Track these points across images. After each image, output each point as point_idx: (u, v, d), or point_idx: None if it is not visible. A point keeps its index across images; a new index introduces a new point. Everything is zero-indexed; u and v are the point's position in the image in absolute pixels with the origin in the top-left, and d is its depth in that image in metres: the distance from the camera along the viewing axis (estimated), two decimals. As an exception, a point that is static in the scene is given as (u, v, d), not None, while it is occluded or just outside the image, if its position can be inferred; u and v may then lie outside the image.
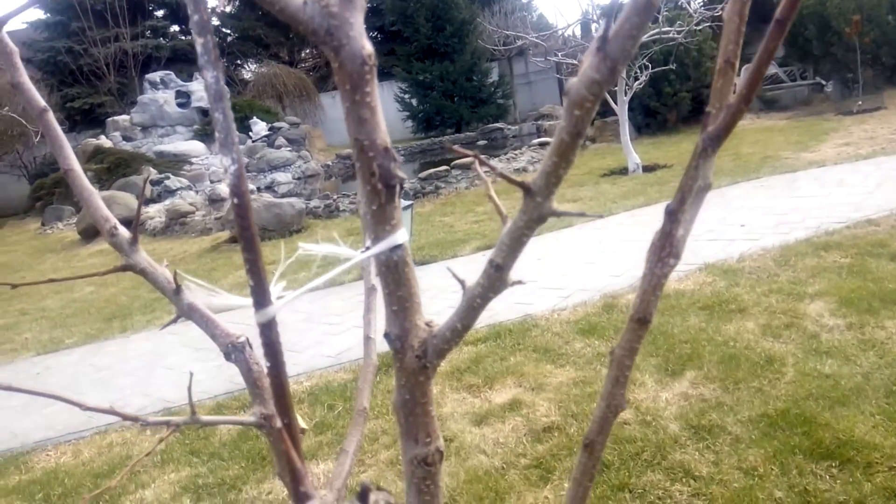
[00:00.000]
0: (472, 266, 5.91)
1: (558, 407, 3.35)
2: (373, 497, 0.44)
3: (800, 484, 2.40)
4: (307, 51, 27.36)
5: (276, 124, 19.01)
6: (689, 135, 12.26)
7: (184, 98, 18.75)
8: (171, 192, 14.38)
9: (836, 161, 7.97)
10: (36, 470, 3.74)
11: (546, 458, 2.89)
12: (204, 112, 18.77)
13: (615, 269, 5.39)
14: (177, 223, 11.57)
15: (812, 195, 6.55)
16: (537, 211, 0.52)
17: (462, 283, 0.63)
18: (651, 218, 6.80)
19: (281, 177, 16.33)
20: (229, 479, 3.20)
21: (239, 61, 26.91)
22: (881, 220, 5.23)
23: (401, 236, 0.62)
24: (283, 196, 12.05)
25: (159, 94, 18.58)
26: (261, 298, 0.62)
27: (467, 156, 0.56)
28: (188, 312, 0.85)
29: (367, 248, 0.62)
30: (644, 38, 9.26)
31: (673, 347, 3.72)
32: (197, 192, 14.66)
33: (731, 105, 0.54)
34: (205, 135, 18.28)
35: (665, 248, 0.57)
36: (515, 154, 12.36)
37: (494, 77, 22.24)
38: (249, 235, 0.60)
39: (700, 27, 10.02)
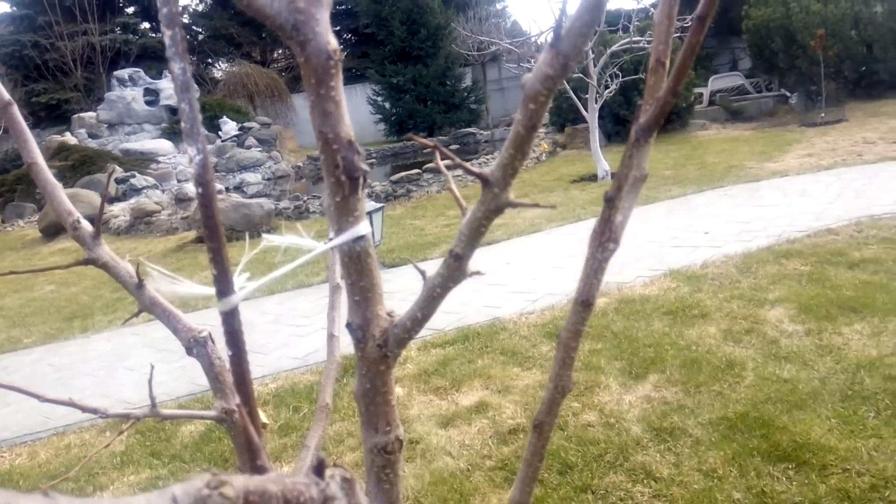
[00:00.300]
0: (442, 269, 5.92)
1: (524, 409, 3.38)
2: (329, 472, 0.44)
3: (758, 486, 2.46)
4: (279, 51, 27.15)
5: (247, 124, 18.82)
6: (656, 144, 12.35)
7: (152, 96, 18.46)
8: (136, 191, 14.14)
9: (798, 171, 8.17)
10: (-10, 472, 3.64)
11: (511, 459, 2.91)
12: (173, 110, 18.49)
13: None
14: (142, 222, 11.38)
15: (775, 204, 6.71)
16: (494, 202, 0.54)
17: (423, 273, 0.64)
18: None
19: (250, 177, 16.17)
20: (191, 481, 3.16)
21: (210, 60, 26.57)
22: (840, 230, 5.37)
23: (363, 227, 0.63)
24: (252, 197, 11.92)
25: (127, 91, 18.27)
26: (224, 287, 0.62)
27: (429, 146, 0.57)
28: (150, 307, 0.84)
29: (331, 240, 0.63)
30: (615, 48, 9.42)
31: (637, 351, 3.77)
32: (163, 191, 14.44)
33: (660, 97, 0.57)
34: (173, 133, 18.01)
35: (605, 234, 0.59)
36: (487, 159, 12.43)
37: (468, 82, 22.34)
38: (213, 224, 0.60)
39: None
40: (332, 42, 0.56)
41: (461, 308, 5.00)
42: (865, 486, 2.34)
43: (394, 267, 6.59)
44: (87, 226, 0.82)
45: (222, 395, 0.83)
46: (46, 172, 0.83)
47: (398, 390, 3.82)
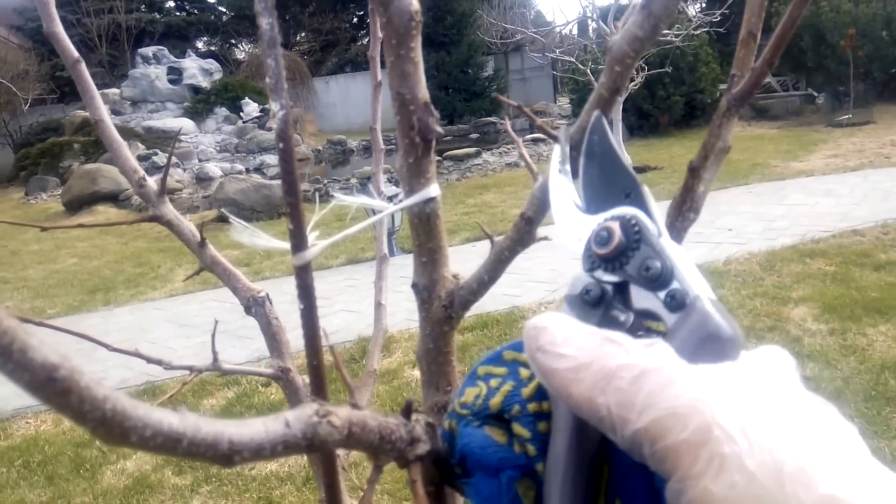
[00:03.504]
0: (460, 256, 5.93)
1: (543, 397, 3.39)
2: (413, 416, 0.45)
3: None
4: (302, 34, 27.18)
5: (268, 106, 18.86)
6: (680, 139, 12.34)
7: (175, 75, 18.56)
8: (158, 169, 14.25)
9: (824, 171, 8.07)
10: (15, 437, 3.72)
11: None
12: (195, 90, 18.60)
13: (603, 266, 5.43)
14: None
15: (799, 203, 6.64)
16: (573, 163, 0.54)
17: (490, 237, 0.65)
18: (640, 218, 6.85)
19: (271, 159, 16.23)
20: (212, 453, 3.21)
21: (233, 41, 26.68)
22: (866, 231, 5.31)
23: (434, 189, 0.64)
24: (272, 178, 11.98)
25: (151, 69, 18.38)
26: (299, 242, 0.63)
27: (511, 104, 0.58)
28: (211, 266, 0.86)
29: (401, 200, 0.64)
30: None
31: (658, 344, 3.76)
32: (184, 169, 14.54)
33: (756, 68, 0.57)
34: (195, 113, 18.12)
35: (686, 203, 0.59)
36: (508, 148, 12.39)
37: (489, 71, 22.24)
38: (292, 180, 0.61)
39: (698, 32, 10.09)
40: (415, 3, 0.57)
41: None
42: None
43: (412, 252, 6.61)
44: (152, 184, 0.83)
45: (279, 354, 0.85)
46: (112, 129, 0.84)
47: (416, 374, 3.85)
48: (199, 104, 18.33)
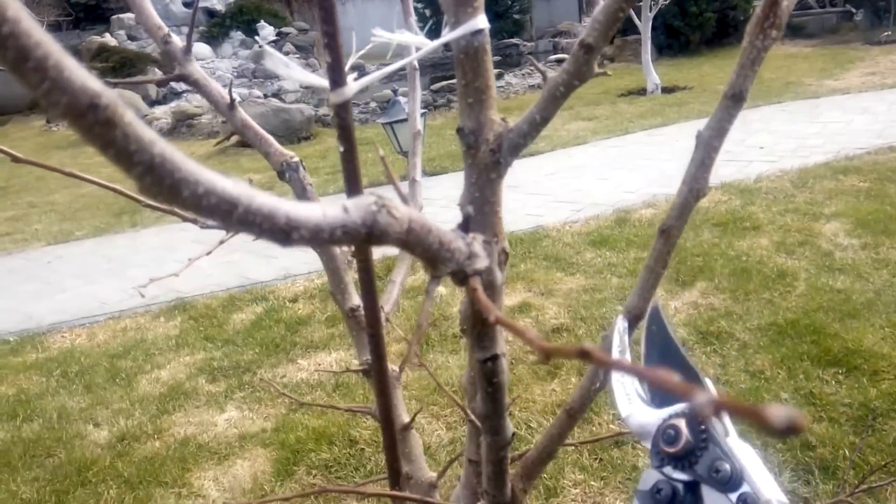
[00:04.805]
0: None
1: (567, 311, 3.39)
2: (471, 234, 0.43)
3: (806, 387, 2.45)
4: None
5: (285, 29, 18.45)
6: (710, 58, 11.88)
7: (190, -2, 18.14)
8: (176, 95, 14.13)
9: (860, 89, 7.76)
10: (52, 350, 3.83)
11: (555, 355, 2.94)
12: (210, 13, 18.18)
13: (629, 186, 5.34)
14: (183, 125, 11.43)
15: (834, 121, 6.41)
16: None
17: (543, 73, 0.60)
18: (668, 138, 6.69)
19: (288, 84, 15.99)
20: (244, 363, 3.28)
21: (247, -38, 25.84)
22: (904, 148, 5.14)
23: (482, 21, 0.59)
24: (290, 104, 11.82)
25: (165, -8, 17.95)
26: (337, 77, 0.59)
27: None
28: (241, 130, 0.83)
29: (446, 33, 0.59)
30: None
31: (684, 260, 3.72)
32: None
33: None
34: (211, 37, 17.76)
35: (769, 19, 0.54)
36: (531, 70, 12.06)
37: (512, -9, 21.42)
38: (329, 6, 0.57)
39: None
40: None
41: (503, 214, 4.97)
42: (918, 391, 2.32)
43: (434, 175, 6.54)
44: (177, 41, 0.79)
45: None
46: (134, -15, 0.80)
47: (441, 289, 3.86)
48: (215, 28, 17.95)
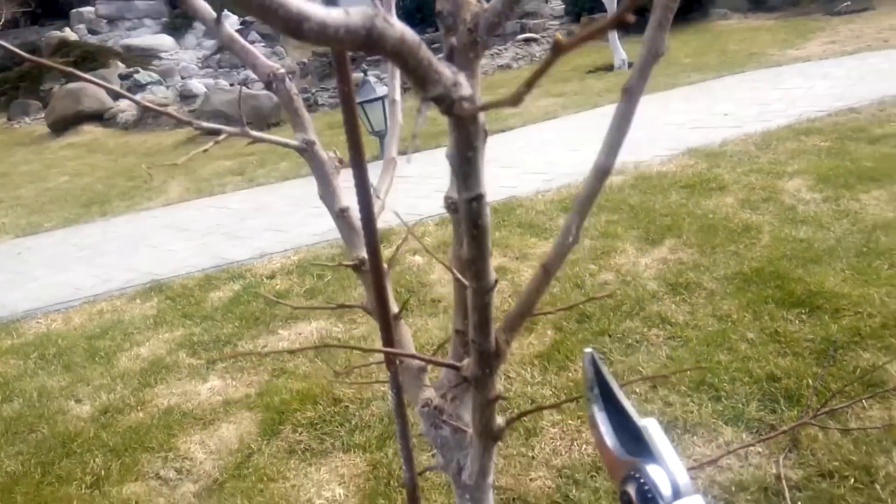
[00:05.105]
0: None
1: (542, 272, 3.45)
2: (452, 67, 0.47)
3: (771, 327, 2.55)
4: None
5: (249, 18, 18.22)
6: (676, 34, 12.02)
7: (151, -11, 17.81)
8: (141, 87, 13.89)
9: (821, 57, 7.93)
10: (28, 335, 3.80)
11: (531, 312, 3.00)
12: (173, 4, 17.88)
13: (599, 155, 5.42)
14: (149, 116, 11.27)
15: (796, 87, 6.56)
16: None
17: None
18: (636, 111, 6.77)
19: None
20: (224, 337, 3.30)
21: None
22: (863, 109, 5.28)
23: None
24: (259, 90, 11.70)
25: (125, -17, 17.61)
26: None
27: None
28: (229, 44, 0.86)
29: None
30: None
31: (653, 220, 3.81)
32: (167, 87, 14.18)
33: None
34: (173, 29, 17.50)
35: None
36: (499, 50, 12.09)
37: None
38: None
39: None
40: None
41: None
42: (876, 325, 2.43)
43: (404, 154, 6.56)
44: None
45: (301, 128, 0.87)
46: None
47: (417, 258, 3.91)
48: (178, 19, 17.68)
